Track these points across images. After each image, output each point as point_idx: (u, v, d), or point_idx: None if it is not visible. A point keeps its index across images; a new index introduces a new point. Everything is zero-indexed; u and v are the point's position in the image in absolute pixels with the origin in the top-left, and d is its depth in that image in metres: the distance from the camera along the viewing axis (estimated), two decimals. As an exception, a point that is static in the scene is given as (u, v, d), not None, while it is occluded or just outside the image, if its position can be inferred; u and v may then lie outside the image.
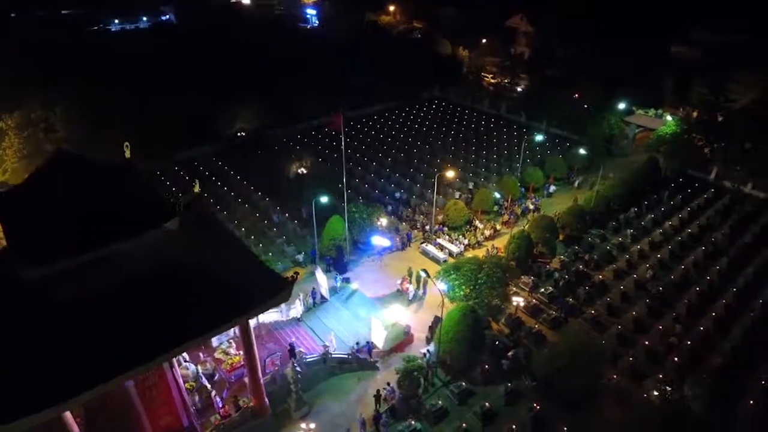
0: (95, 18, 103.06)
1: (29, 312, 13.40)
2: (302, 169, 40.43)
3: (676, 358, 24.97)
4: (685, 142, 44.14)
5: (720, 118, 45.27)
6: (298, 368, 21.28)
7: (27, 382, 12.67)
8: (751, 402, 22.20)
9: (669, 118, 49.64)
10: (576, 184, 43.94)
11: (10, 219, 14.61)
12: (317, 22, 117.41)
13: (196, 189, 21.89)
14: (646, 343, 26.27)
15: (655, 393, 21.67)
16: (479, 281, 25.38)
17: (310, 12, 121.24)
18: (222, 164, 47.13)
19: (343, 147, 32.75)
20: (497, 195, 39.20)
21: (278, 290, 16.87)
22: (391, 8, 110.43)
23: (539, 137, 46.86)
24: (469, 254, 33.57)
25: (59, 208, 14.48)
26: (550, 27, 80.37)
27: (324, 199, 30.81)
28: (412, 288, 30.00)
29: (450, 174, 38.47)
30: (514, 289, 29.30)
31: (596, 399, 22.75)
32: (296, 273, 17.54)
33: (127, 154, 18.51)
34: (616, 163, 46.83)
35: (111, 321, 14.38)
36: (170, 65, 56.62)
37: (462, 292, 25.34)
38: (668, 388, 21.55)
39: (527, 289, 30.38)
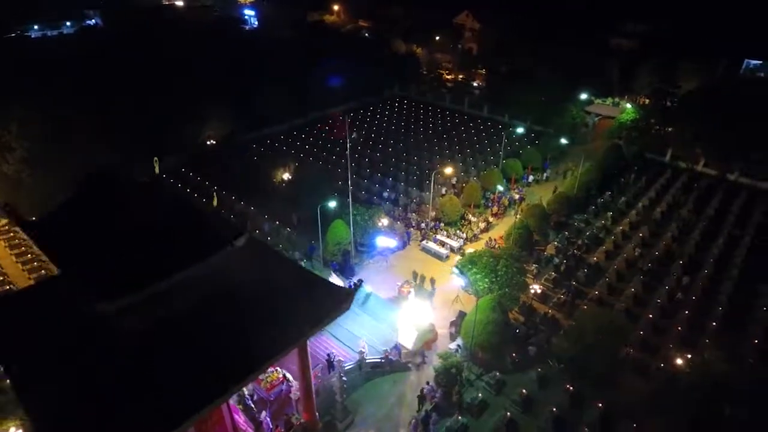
0: (7, 23, 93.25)
1: (106, 346, 12.20)
2: (287, 174, 39.32)
3: (679, 328, 27.08)
4: (643, 128, 47.51)
5: (669, 104, 49.15)
6: (344, 377, 20.83)
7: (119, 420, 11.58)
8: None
9: (628, 106, 53.23)
10: (545, 177, 45.87)
11: (66, 250, 13.18)
12: (257, 22, 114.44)
13: (215, 203, 20.88)
14: (650, 316, 28.18)
15: (679, 361, 23.26)
16: (499, 273, 26.01)
17: (249, 13, 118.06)
18: (194, 175, 44.78)
19: (347, 150, 32.29)
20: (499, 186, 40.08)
21: (342, 300, 16.45)
22: (336, 8, 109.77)
23: (520, 130, 48.54)
24: (468, 248, 34.38)
25: (123, 236, 13.24)
26: (494, 23, 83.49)
27: (332, 204, 30.23)
28: (413, 291, 30.00)
29: (448, 170, 39.02)
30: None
31: (620, 374, 24.12)
32: (360, 280, 17.15)
33: (157, 169, 17.27)
34: (579, 151, 49.53)
35: (184, 351, 13.42)
36: (110, 73, 52.37)
37: (485, 285, 25.83)
38: (689, 356, 23.22)
39: (532, 277, 31.53)
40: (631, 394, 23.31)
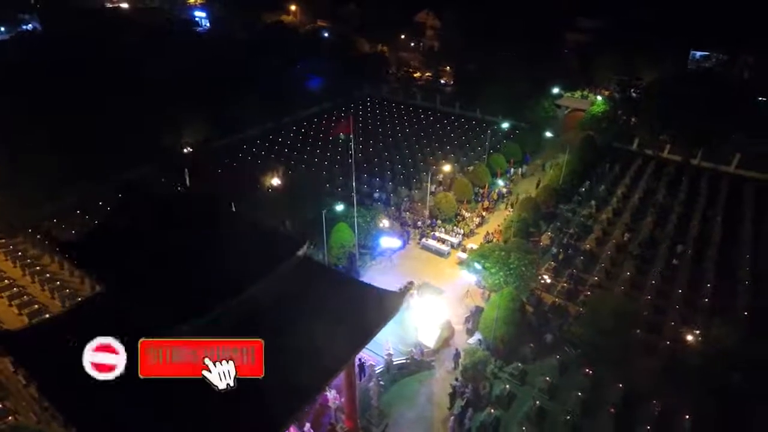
0: None
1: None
2: (275, 179, 38.37)
3: (677, 306, 28.72)
4: (612, 119, 49.88)
5: (634, 95, 51.87)
6: (381, 382, 20.68)
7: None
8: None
9: (599, 98, 55.66)
10: (521, 172, 47.15)
11: (115, 270, 12.32)
12: (208, 24, 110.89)
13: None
14: (648, 297, 29.69)
15: (689, 338, 24.67)
16: (511, 266, 26.59)
17: (199, 14, 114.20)
18: (175, 184, 42.74)
19: (351, 152, 31.85)
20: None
21: (395, 304, 16.31)
22: (293, 8, 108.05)
23: (505, 125, 49.58)
24: (468, 243, 34.98)
25: (179, 251, 12.52)
26: (453, 20, 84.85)
27: (339, 207, 29.85)
28: (416, 293, 30.10)
29: (447, 168, 39.38)
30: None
31: (632, 355, 25.27)
32: (411, 282, 17.04)
33: (188, 181, 16.48)
34: (552, 143, 51.42)
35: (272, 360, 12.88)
36: (59, 80, 48.91)
37: (499, 279, 26.33)
38: (697, 332, 24.68)
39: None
40: (643, 373, 24.50)
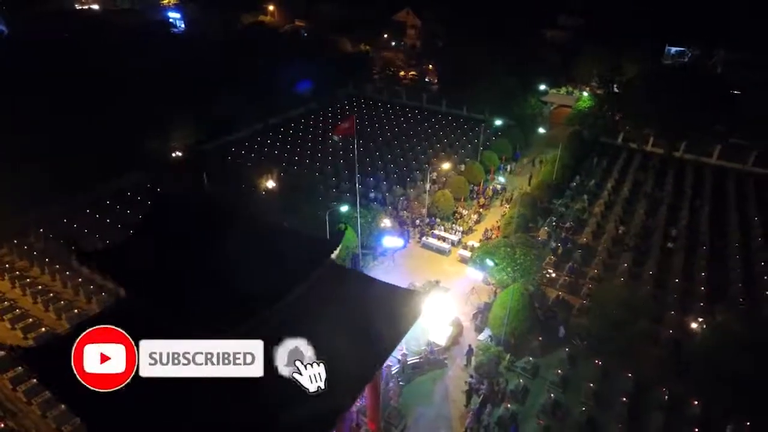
0: None
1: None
2: (271, 182, 37.84)
3: (675, 295, 29.51)
4: (597, 114, 50.92)
5: (617, 90, 53.08)
6: (401, 382, 20.62)
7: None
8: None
9: (585, 94, 56.70)
10: (509, 169, 47.66)
11: (146, 278, 11.92)
12: (183, 25, 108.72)
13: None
14: (648, 287, 30.40)
15: (693, 325, 25.36)
16: (517, 261, 26.87)
17: (173, 15, 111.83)
18: (165, 190, 41.70)
19: (355, 152, 31.61)
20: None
21: (421, 302, 16.28)
22: (271, 8, 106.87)
23: (498, 122, 49.99)
24: (468, 240, 35.22)
25: (214, 259, 12.20)
26: (433, 19, 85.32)
27: (344, 208, 29.64)
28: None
29: (446, 166, 39.49)
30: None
31: (637, 344, 25.84)
32: (437, 281, 17.00)
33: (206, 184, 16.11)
34: (540, 139, 52.19)
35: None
36: (34, 86, 46.99)
37: (507, 275, 26.57)
38: (701, 319, 25.40)
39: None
40: (649, 362, 25.10)
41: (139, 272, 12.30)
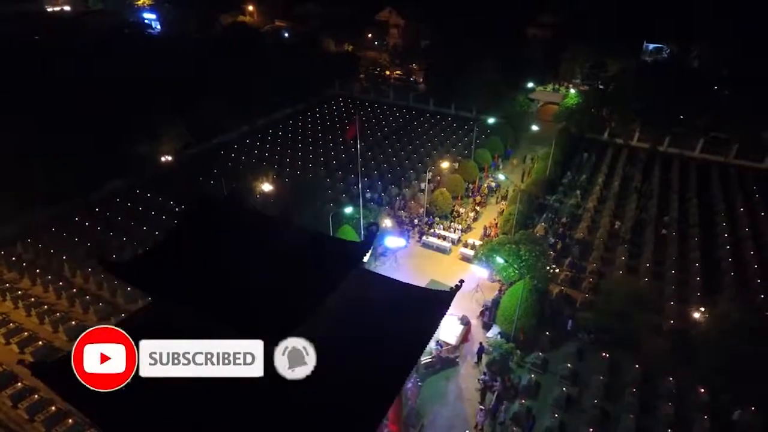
0: None
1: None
2: (267, 184, 37.29)
3: (672, 286, 30.26)
4: (584, 110, 51.85)
5: (602, 87, 54.15)
6: (419, 383, 20.59)
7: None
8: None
9: (572, 91, 57.61)
10: (500, 167, 48.14)
11: (180, 286, 11.59)
12: (160, 26, 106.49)
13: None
14: (645, 279, 31.09)
15: (696, 315, 26.02)
16: (523, 257, 27.14)
17: (149, 16, 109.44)
18: (156, 195, 40.83)
19: (357, 152, 31.38)
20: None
21: (446, 301, 16.30)
22: (250, 8, 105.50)
23: (491, 120, 50.32)
24: (467, 238, 35.40)
25: (253, 267, 11.95)
26: (415, 18, 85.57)
27: (349, 209, 29.43)
28: None
29: (445, 164, 39.55)
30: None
31: (642, 336, 26.42)
32: (462, 281, 17.01)
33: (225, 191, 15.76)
34: (529, 136, 52.87)
35: (333, 381, 12.55)
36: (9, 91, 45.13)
37: (513, 272, 26.80)
38: (702, 309, 26.08)
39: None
40: (654, 353, 25.69)
41: (176, 280, 11.93)
